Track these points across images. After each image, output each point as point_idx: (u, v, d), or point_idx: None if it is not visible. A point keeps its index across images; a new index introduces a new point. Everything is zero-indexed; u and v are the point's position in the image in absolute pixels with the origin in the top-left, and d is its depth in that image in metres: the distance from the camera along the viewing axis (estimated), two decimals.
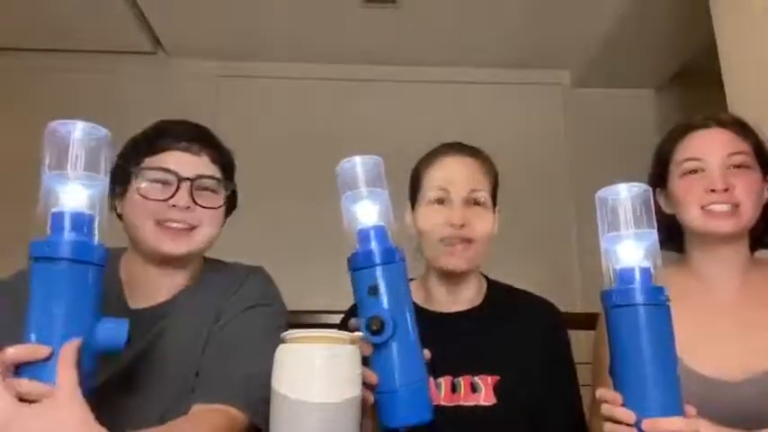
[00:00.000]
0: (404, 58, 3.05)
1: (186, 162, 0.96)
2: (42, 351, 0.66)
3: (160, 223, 0.94)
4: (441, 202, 1.05)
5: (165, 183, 0.95)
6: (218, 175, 1.00)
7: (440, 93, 3.11)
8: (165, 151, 0.97)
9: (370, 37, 2.88)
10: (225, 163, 1.03)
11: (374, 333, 0.76)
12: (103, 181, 0.74)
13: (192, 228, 0.96)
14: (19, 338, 0.68)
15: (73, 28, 2.77)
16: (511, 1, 2.59)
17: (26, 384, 0.66)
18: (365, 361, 0.77)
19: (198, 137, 1.00)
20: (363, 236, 0.82)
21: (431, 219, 1.04)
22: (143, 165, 0.96)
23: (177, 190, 0.94)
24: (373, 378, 0.77)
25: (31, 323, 0.68)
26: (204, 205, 0.96)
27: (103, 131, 0.74)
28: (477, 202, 1.04)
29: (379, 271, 0.79)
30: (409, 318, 0.80)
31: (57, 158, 0.71)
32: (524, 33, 2.84)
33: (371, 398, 0.77)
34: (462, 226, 1.01)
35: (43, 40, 2.90)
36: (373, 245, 0.81)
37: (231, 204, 1.07)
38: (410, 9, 2.65)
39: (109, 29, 2.78)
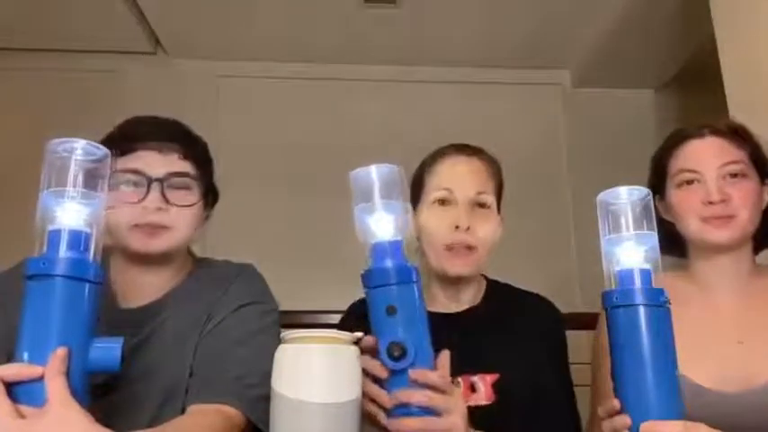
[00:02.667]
0: (404, 58, 3.05)
1: (155, 162, 0.94)
2: (35, 371, 0.64)
3: (135, 226, 0.93)
4: (444, 203, 1.03)
5: (136, 185, 0.94)
6: (190, 171, 0.97)
7: (440, 93, 3.10)
8: (133, 152, 0.95)
9: (370, 37, 2.88)
10: (198, 157, 1.00)
11: (395, 359, 0.73)
12: (102, 199, 0.72)
13: (168, 228, 0.94)
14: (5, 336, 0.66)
15: (73, 28, 2.77)
16: (511, 1, 2.59)
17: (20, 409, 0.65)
18: (379, 382, 0.75)
19: (165, 133, 0.97)
20: (379, 251, 0.78)
21: (434, 222, 1.03)
22: (113, 168, 0.93)
23: (148, 192, 0.93)
24: (387, 402, 0.75)
25: (23, 341, 0.66)
26: (178, 204, 0.95)
27: (104, 151, 0.74)
28: (482, 205, 1.03)
29: (396, 291, 0.76)
30: (427, 341, 0.77)
31: (56, 176, 0.70)
32: (524, 33, 2.84)
33: (383, 419, 0.75)
34: (468, 229, 1.00)
35: (43, 40, 2.89)
36: (389, 262, 0.77)
37: (212, 198, 1.05)
38: (410, 9, 2.65)
39: (109, 29, 2.78)
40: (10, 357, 0.67)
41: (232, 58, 3.07)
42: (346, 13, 2.68)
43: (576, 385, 1.05)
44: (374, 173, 0.79)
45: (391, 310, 0.75)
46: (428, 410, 0.75)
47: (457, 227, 1.00)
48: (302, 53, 3.02)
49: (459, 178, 1.04)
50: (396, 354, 0.73)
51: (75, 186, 0.70)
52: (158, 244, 0.94)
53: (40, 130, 3.00)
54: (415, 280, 0.78)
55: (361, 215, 0.80)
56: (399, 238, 0.79)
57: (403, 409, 0.75)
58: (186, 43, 2.96)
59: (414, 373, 0.74)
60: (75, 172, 0.71)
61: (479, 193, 1.03)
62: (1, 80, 2.94)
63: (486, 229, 1.02)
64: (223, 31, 2.86)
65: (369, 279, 0.78)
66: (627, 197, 0.77)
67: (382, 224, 0.78)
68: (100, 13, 2.64)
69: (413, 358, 0.74)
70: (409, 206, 0.82)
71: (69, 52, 2.97)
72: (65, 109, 2.91)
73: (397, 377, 0.75)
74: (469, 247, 1.01)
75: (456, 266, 1.02)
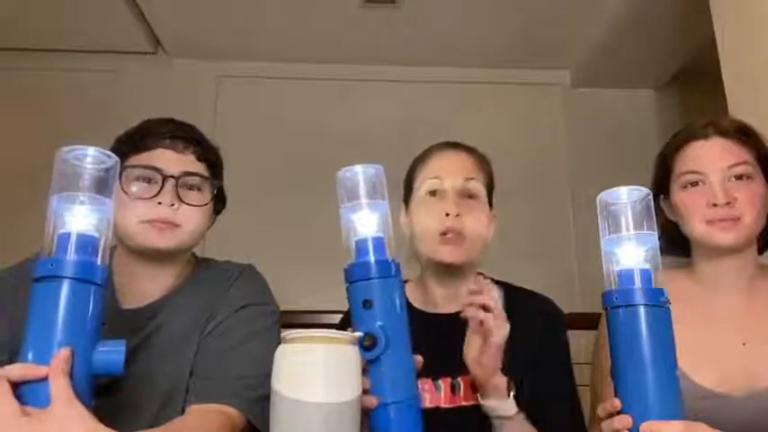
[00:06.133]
0: (404, 58, 3.04)
1: (171, 160, 0.96)
2: (39, 371, 0.65)
3: (146, 221, 0.93)
4: (435, 193, 1.05)
5: (150, 181, 0.95)
6: (203, 172, 1.00)
7: (440, 93, 3.11)
8: (150, 149, 0.97)
9: (370, 37, 2.88)
10: (211, 160, 1.02)
11: (366, 349, 0.76)
12: (111, 204, 0.74)
13: (178, 225, 0.95)
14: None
15: (73, 28, 2.77)
16: (511, 1, 2.59)
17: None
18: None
19: (183, 135, 0.99)
20: (361, 247, 0.81)
21: (425, 212, 1.04)
22: (128, 163, 0.95)
23: (162, 188, 0.94)
24: (366, 384, 0.76)
25: (28, 341, 0.67)
26: (190, 203, 0.96)
27: (114, 159, 0.75)
28: (471, 195, 1.04)
29: (374, 285, 0.79)
30: (403, 333, 0.80)
31: (66, 182, 0.71)
32: (524, 33, 2.83)
33: (371, 401, 0.77)
34: (457, 215, 1.01)
35: (43, 40, 2.89)
36: (370, 257, 0.80)
37: (220, 203, 1.07)
38: (410, 9, 2.65)
39: (109, 29, 2.78)
40: (12, 355, 0.67)
41: (232, 58, 3.07)
42: (346, 13, 2.68)
43: (577, 385, 1.05)
44: (360, 173, 0.83)
45: (367, 304, 0.78)
46: (403, 404, 0.77)
47: (447, 214, 1.01)
48: (302, 53, 3.02)
49: (447, 167, 1.06)
50: (366, 343, 0.76)
51: (84, 192, 0.72)
52: (168, 240, 0.94)
53: (40, 130, 3.00)
54: (394, 274, 0.81)
55: (345, 213, 0.83)
56: (381, 235, 0.82)
57: (379, 401, 0.77)
58: (186, 43, 2.96)
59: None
60: (84, 179, 0.72)
61: (468, 179, 1.04)
62: (1, 80, 2.95)
63: (476, 219, 1.03)
64: (223, 31, 2.86)
65: (349, 274, 0.81)
66: (627, 197, 0.77)
67: (366, 222, 0.82)
68: (100, 13, 2.64)
69: (383, 348, 0.76)
70: (387, 205, 0.85)
71: (69, 52, 2.97)
72: (65, 109, 2.91)
73: (372, 367, 0.78)
74: (460, 234, 1.01)
75: (447, 253, 1.02)
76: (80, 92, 2.96)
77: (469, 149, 1.11)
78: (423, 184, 1.07)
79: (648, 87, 3.21)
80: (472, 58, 3.05)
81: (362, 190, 0.82)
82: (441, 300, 1.08)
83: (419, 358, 0.82)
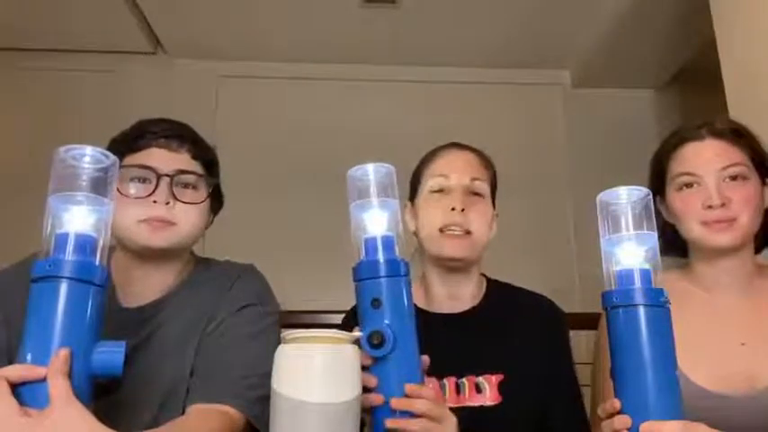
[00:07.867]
0: (404, 58, 3.05)
1: (165, 158, 0.97)
2: (38, 372, 0.65)
3: (142, 221, 0.93)
4: (441, 191, 1.06)
5: (145, 180, 0.95)
6: (198, 170, 1.00)
7: (440, 93, 3.11)
8: (145, 149, 0.97)
9: (370, 37, 2.88)
10: (206, 159, 1.02)
11: (374, 347, 0.76)
12: (109, 204, 0.73)
13: (174, 224, 0.95)
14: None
15: (73, 28, 2.77)
16: (511, 1, 2.59)
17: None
18: (365, 370, 0.76)
19: (177, 133, 1.00)
20: (370, 245, 0.81)
21: (431, 208, 1.05)
22: (123, 163, 0.95)
23: (157, 187, 0.94)
24: (373, 381, 0.77)
25: (27, 342, 0.67)
26: (185, 201, 0.96)
27: (112, 159, 0.75)
28: (477, 193, 1.06)
29: (383, 283, 0.79)
30: (411, 332, 0.80)
31: (63, 182, 0.71)
32: (524, 33, 2.84)
33: (377, 399, 0.77)
34: (462, 210, 1.02)
35: (43, 40, 2.89)
36: (380, 256, 0.80)
37: (217, 202, 1.07)
38: (410, 9, 2.65)
39: (109, 29, 2.78)
40: (11, 355, 0.67)
41: (232, 58, 3.07)
42: (346, 13, 2.68)
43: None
44: (371, 172, 0.83)
45: (376, 303, 0.78)
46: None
47: (453, 209, 1.02)
48: (302, 53, 3.02)
49: (454, 166, 1.07)
50: (375, 341, 0.76)
51: (82, 192, 0.71)
52: (164, 238, 0.94)
53: (40, 130, 2.99)
54: (403, 274, 0.80)
55: (355, 211, 0.83)
56: (391, 234, 0.82)
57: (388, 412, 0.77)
58: (186, 43, 2.96)
59: (409, 388, 0.77)
60: (82, 179, 0.72)
61: (474, 179, 1.06)
62: (1, 80, 2.95)
63: (481, 216, 1.04)
64: (223, 31, 2.86)
65: (358, 272, 0.81)
66: (627, 197, 0.77)
67: (376, 220, 0.82)
68: (100, 13, 2.64)
69: (392, 346, 0.77)
70: (398, 204, 0.85)
71: (69, 52, 2.97)
72: (65, 109, 2.91)
73: (379, 366, 0.78)
74: (464, 229, 1.02)
75: (451, 247, 1.02)
76: (80, 92, 2.97)
77: (476, 151, 1.12)
78: (429, 182, 1.08)
79: (648, 87, 3.21)
80: (472, 58, 3.05)
81: (373, 188, 0.82)
82: (443, 298, 1.09)
83: (426, 359, 0.82)
